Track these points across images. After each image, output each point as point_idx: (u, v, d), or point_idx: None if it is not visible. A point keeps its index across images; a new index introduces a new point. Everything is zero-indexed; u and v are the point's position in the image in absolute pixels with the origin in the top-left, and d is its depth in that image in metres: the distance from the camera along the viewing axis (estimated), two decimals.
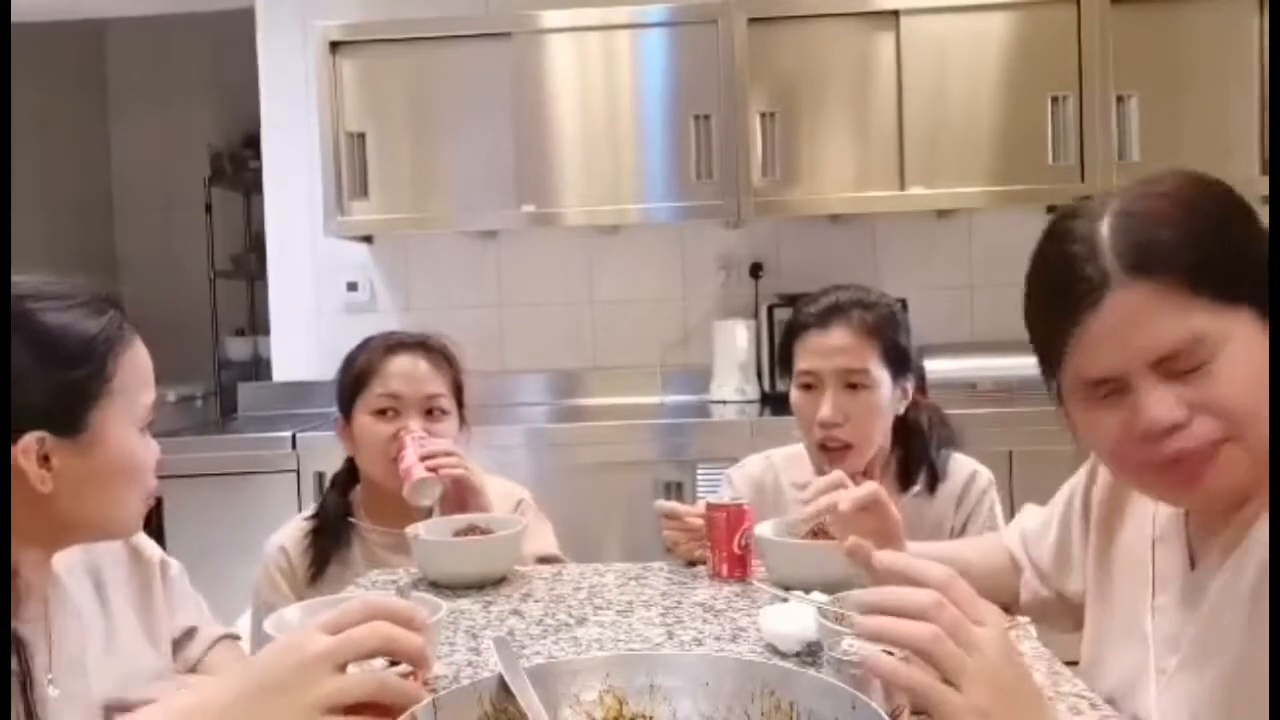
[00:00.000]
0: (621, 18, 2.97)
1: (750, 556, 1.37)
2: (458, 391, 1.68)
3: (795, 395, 1.60)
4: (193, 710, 0.76)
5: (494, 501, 1.67)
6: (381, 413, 1.61)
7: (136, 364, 1.03)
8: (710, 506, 1.40)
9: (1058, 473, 2.89)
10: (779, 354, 1.65)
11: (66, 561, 1.09)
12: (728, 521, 1.37)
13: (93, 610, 1.11)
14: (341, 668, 0.75)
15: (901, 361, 1.57)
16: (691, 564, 1.45)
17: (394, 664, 0.80)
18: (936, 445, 1.61)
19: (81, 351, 0.98)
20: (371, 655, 0.76)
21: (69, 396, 0.97)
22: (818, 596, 1.07)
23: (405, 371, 1.62)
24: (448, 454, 1.54)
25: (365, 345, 1.68)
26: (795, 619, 1.05)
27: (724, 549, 1.37)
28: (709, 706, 0.76)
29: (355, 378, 1.64)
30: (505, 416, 3.02)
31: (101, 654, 1.08)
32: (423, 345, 1.66)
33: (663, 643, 1.11)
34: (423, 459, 1.52)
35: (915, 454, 1.61)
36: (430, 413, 1.62)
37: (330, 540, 1.61)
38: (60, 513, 0.98)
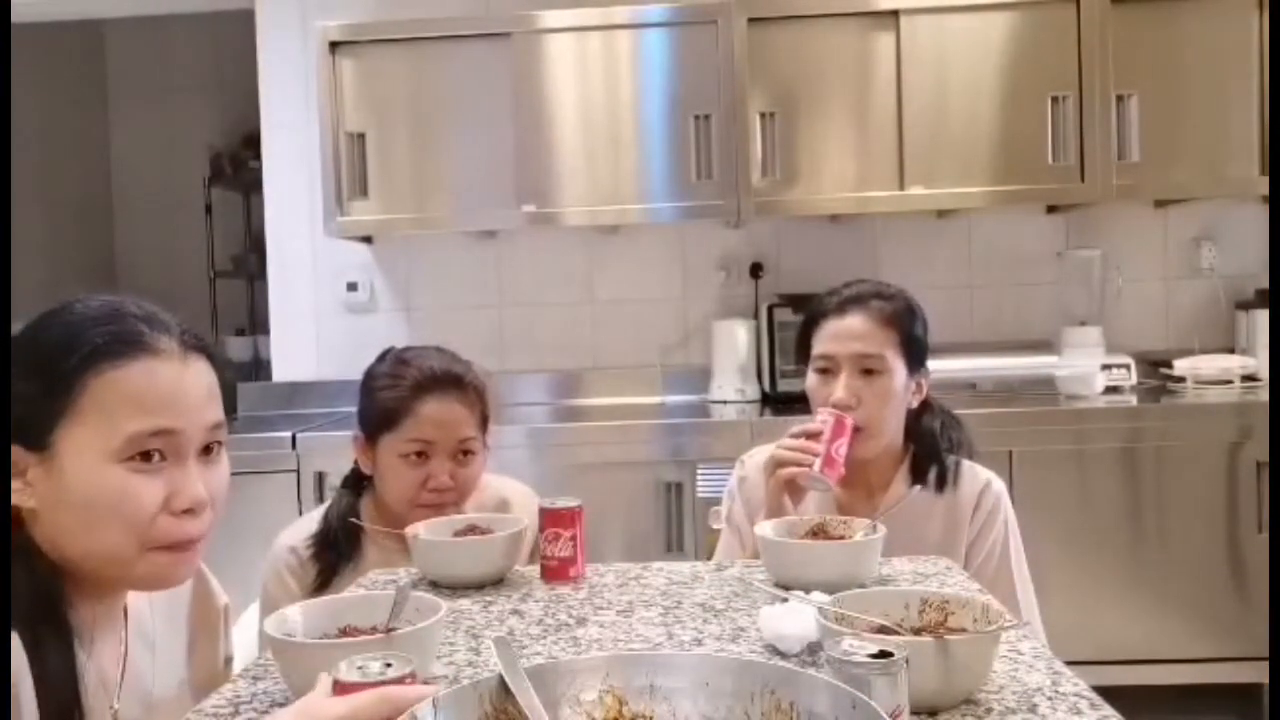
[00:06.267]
0: (621, 18, 2.96)
1: (839, 464, 1.51)
2: (485, 421, 1.64)
3: (811, 379, 1.63)
4: None
5: (518, 502, 1.70)
6: (409, 455, 1.57)
7: (122, 387, 0.93)
8: (823, 410, 1.55)
9: (1058, 473, 2.93)
10: (796, 343, 1.68)
11: (151, 595, 1.09)
12: (833, 429, 1.52)
13: (166, 642, 1.11)
14: None
15: (917, 354, 1.61)
16: (792, 490, 1.54)
17: (388, 665, 0.80)
18: (948, 448, 1.63)
19: (44, 363, 0.92)
20: None
21: (28, 409, 0.92)
22: (818, 596, 1.07)
23: (437, 417, 1.57)
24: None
25: (393, 375, 1.60)
26: (795, 619, 1.05)
27: (825, 451, 1.51)
28: (709, 706, 0.76)
29: (384, 413, 1.58)
30: (505, 416, 3.01)
31: (172, 686, 1.09)
32: (457, 384, 1.60)
33: (663, 643, 1.11)
34: None
35: (927, 452, 1.63)
36: (460, 454, 1.60)
37: (334, 556, 1.59)
38: (47, 537, 0.93)
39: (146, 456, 0.93)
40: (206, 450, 1.00)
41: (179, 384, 0.96)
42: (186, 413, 0.96)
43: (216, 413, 1.00)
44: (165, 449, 0.94)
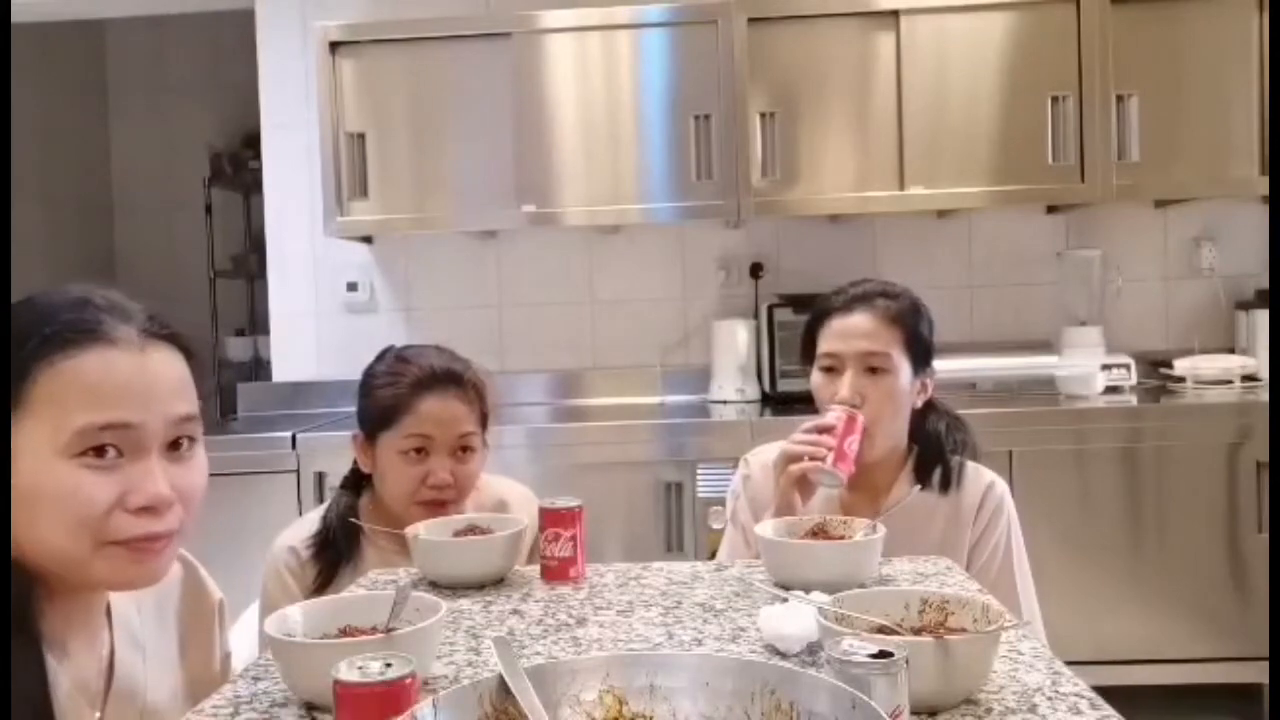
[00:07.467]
0: (621, 18, 2.96)
1: (850, 460, 1.52)
2: (484, 419, 1.64)
3: (815, 378, 1.63)
4: None
5: (516, 503, 1.70)
6: (409, 452, 1.57)
7: (72, 378, 0.87)
8: (835, 406, 1.56)
9: (1058, 473, 2.92)
10: (801, 341, 1.68)
11: (137, 595, 1.05)
12: (845, 424, 1.53)
13: (156, 645, 1.08)
14: None
15: (923, 354, 1.61)
16: (802, 486, 1.55)
17: (388, 665, 0.80)
18: (952, 449, 1.63)
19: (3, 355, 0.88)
20: None
21: None
22: (818, 596, 1.07)
23: (437, 414, 1.57)
24: None
25: (393, 373, 1.60)
26: (795, 619, 1.05)
27: (837, 445, 1.52)
28: (709, 706, 0.76)
29: (383, 410, 1.58)
30: (506, 416, 3.00)
31: (167, 691, 1.07)
32: (456, 381, 1.60)
33: (663, 643, 1.11)
34: None
35: (931, 453, 1.63)
36: (459, 450, 1.59)
37: (335, 555, 1.59)
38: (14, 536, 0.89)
39: (99, 451, 0.88)
40: (175, 445, 0.94)
41: (137, 375, 0.90)
42: (146, 405, 0.90)
43: (185, 405, 0.94)
44: (121, 444, 0.89)
